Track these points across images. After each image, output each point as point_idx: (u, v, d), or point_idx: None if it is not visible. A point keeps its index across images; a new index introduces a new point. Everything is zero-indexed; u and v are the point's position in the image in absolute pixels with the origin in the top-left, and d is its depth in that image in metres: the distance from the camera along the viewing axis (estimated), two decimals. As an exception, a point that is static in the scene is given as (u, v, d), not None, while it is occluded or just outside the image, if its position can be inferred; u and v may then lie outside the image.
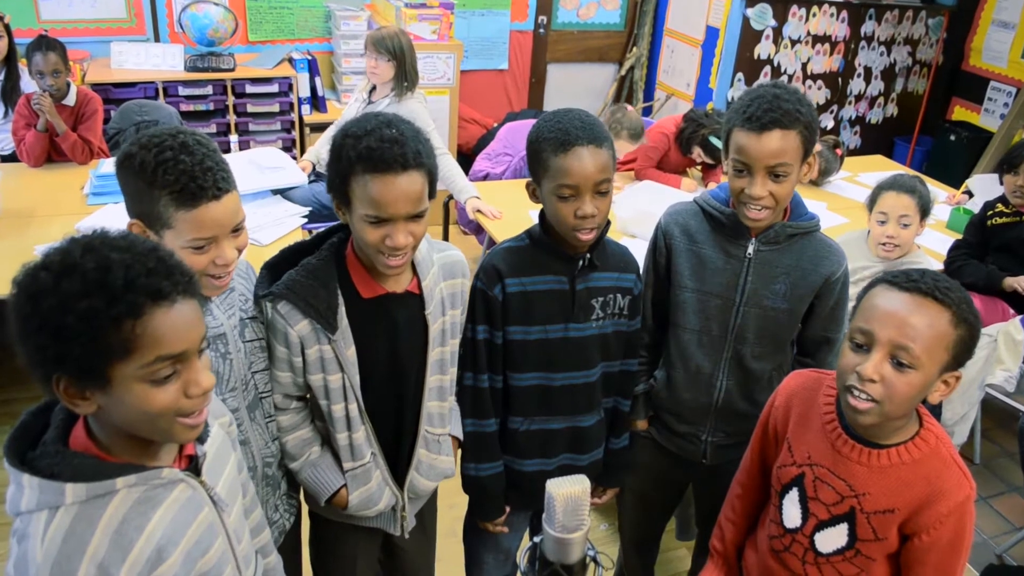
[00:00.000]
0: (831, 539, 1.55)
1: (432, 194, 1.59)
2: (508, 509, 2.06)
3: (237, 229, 1.46)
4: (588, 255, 1.82)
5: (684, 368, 2.02)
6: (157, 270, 1.03)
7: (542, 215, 1.83)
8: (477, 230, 4.23)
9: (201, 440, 1.24)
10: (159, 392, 1.06)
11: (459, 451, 1.98)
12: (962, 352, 1.38)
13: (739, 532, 1.84)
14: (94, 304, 0.98)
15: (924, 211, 2.84)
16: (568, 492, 1.01)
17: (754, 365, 1.98)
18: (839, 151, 4.35)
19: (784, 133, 1.74)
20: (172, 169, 1.35)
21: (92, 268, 1.00)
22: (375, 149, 1.49)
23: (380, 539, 1.97)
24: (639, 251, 2.05)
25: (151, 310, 1.02)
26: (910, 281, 1.38)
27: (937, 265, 3.45)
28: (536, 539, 1.08)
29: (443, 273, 1.76)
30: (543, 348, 1.86)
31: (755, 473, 1.77)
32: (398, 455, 1.82)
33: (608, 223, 1.79)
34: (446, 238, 4.29)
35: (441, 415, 1.85)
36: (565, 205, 1.70)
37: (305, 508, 1.87)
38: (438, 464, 1.88)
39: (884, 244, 2.86)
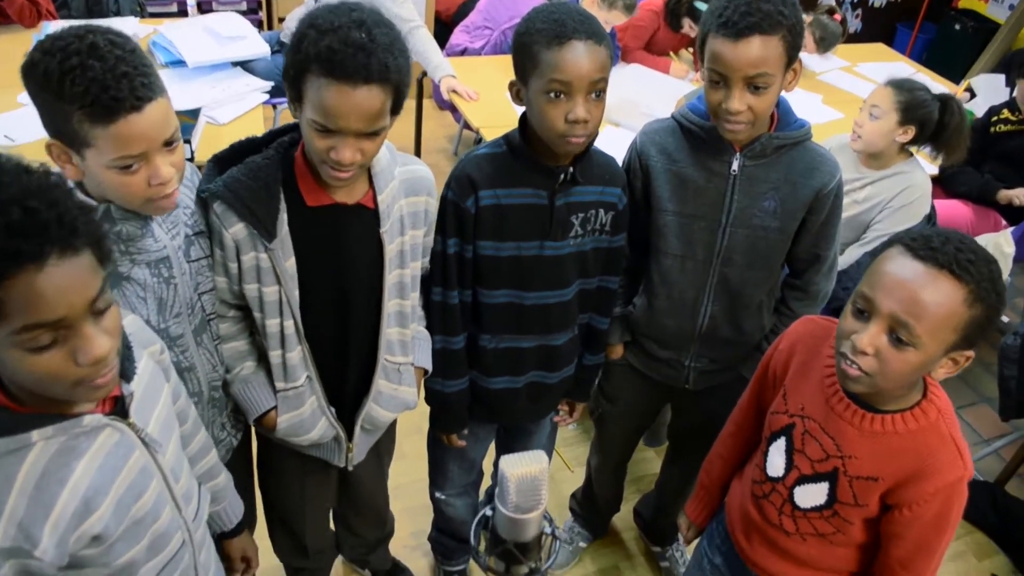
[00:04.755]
0: (810, 495, 1.48)
1: (397, 109, 1.41)
2: (467, 427, 1.99)
3: (171, 142, 1.26)
4: (571, 168, 1.65)
5: (666, 295, 1.90)
6: (20, 226, 0.86)
7: (523, 120, 1.65)
8: (453, 108, 4.00)
9: (127, 378, 1.12)
10: (40, 360, 0.92)
11: (423, 380, 1.87)
12: (975, 333, 1.24)
13: (728, 469, 1.77)
14: None
15: (906, 112, 2.53)
16: (523, 472, 0.89)
17: (742, 290, 1.86)
18: (837, 16, 4.05)
19: (764, 40, 1.54)
20: (80, 78, 1.14)
21: None
22: (336, 52, 1.29)
23: (335, 469, 1.87)
24: (622, 142, 1.87)
25: (14, 273, 0.86)
26: (928, 249, 1.22)
27: (932, 170, 3.30)
28: (487, 511, 0.97)
29: (405, 189, 1.59)
30: (515, 266, 1.72)
31: (751, 414, 1.69)
32: (346, 383, 1.70)
33: (596, 134, 1.61)
34: (420, 114, 4.06)
35: (402, 343, 1.72)
36: (554, 107, 1.52)
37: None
38: (399, 395, 1.76)
39: (853, 131, 2.62)
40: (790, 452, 1.49)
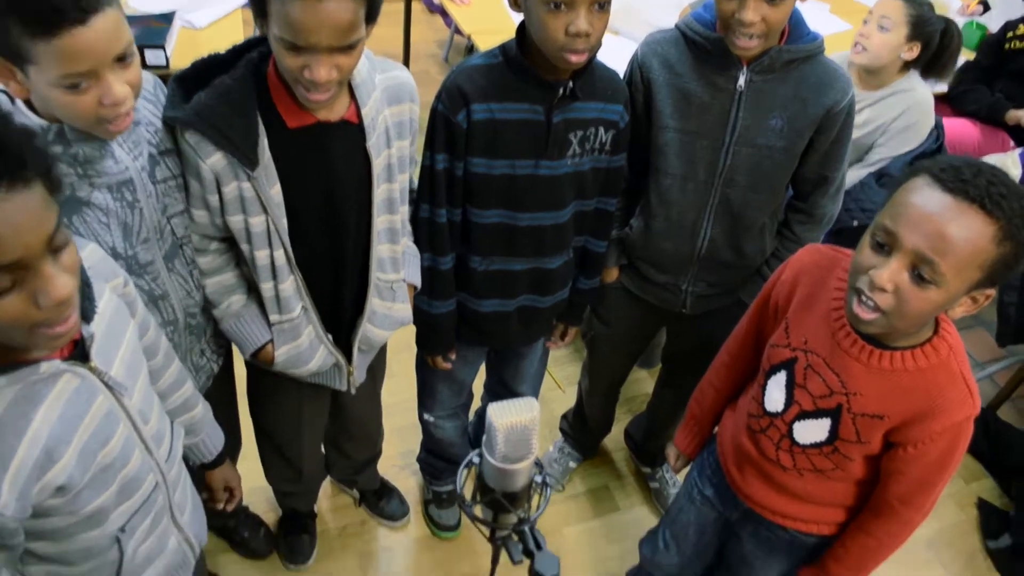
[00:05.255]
0: (810, 431, 1.43)
1: (373, 17, 1.29)
2: (455, 351, 1.94)
3: (124, 57, 1.14)
4: (570, 83, 1.54)
5: (665, 216, 1.81)
6: None
7: (521, 29, 1.54)
8: (443, 12, 3.82)
9: (86, 319, 1.04)
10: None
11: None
12: (1000, 272, 1.16)
13: (720, 400, 1.72)
14: None
15: (915, 28, 2.39)
16: (512, 422, 0.82)
17: (744, 212, 1.78)
18: None
19: None
20: None
21: None
22: None
23: (328, 391, 1.82)
24: (622, 52, 1.75)
25: None
26: (958, 181, 1.12)
27: (940, 88, 3.19)
28: (474, 457, 0.91)
29: (387, 98, 1.48)
30: (508, 185, 1.63)
31: (747, 345, 1.62)
32: (340, 307, 1.63)
33: (599, 48, 1.50)
34: (408, 18, 3.87)
35: (394, 260, 1.64)
36: (555, 17, 1.40)
37: (239, 353, 1.69)
38: (394, 313, 1.70)
39: (855, 44, 2.47)
40: (790, 387, 1.44)
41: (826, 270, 1.41)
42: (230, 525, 2.26)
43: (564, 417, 2.68)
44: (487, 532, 0.92)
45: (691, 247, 1.83)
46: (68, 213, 1.20)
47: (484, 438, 0.86)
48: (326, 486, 2.45)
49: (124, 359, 1.11)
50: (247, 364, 1.71)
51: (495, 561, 0.95)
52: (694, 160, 1.73)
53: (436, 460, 2.36)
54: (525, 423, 0.83)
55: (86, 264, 1.05)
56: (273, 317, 1.55)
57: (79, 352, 1.03)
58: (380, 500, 2.44)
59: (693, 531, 1.82)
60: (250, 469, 2.11)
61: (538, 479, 0.90)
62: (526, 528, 0.89)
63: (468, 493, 0.92)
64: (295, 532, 2.30)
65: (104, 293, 1.10)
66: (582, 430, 2.60)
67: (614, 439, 2.73)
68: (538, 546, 0.87)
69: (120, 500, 1.12)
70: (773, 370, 1.47)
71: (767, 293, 1.54)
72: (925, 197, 1.14)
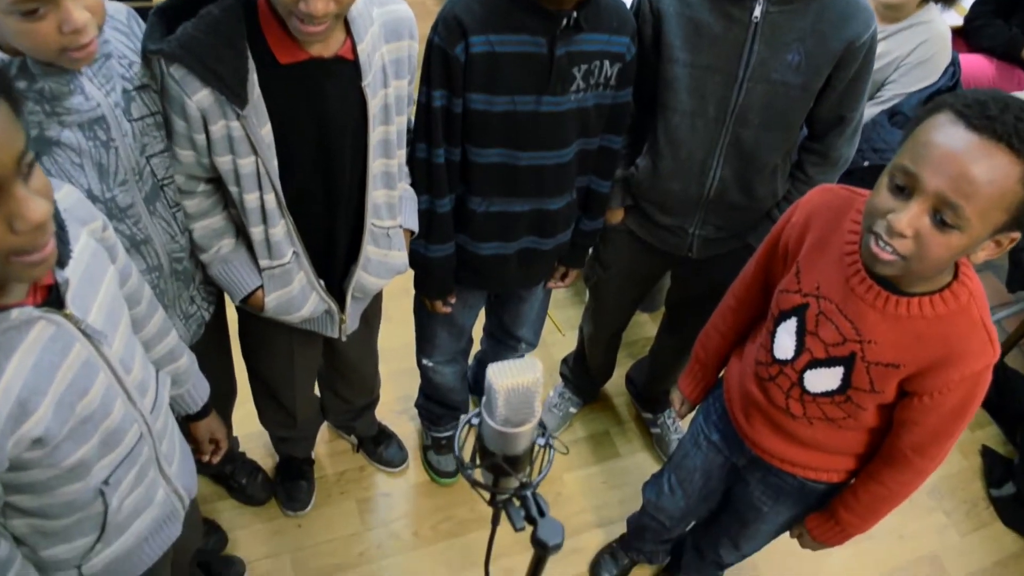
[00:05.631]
0: (822, 380, 1.37)
1: None
2: (454, 295, 1.88)
3: None
4: (574, 13, 1.45)
5: (673, 156, 1.73)
6: None
7: None
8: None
9: (61, 264, 0.97)
10: None
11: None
12: None
13: (726, 345, 1.66)
14: None
15: None
16: (514, 384, 0.76)
17: (756, 152, 1.69)
18: None
19: None
20: None
21: None
22: None
23: (321, 337, 1.76)
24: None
25: None
26: (984, 117, 1.03)
27: (955, 20, 3.07)
28: (472, 418, 0.85)
29: (385, 34, 1.39)
30: (509, 122, 1.55)
31: (755, 289, 1.56)
32: (333, 252, 1.56)
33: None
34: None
35: (390, 206, 1.56)
36: None
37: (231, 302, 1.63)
38: (389, 260, 1.63)
39: None
40: (801, 334, 1.38)
41: (840, 211, 1.34)
42: (227, 471, 2.23)
43: (564, 362, 2.63)
44: (487, 496, 0.87)
45: (699, 188, 1.76)
46: (39, 154, 1.13)
47: (483, 400, 0.80)
48: (324, 432, 2.41)
49: (103, 306, 1.05)
50: (238, 309, 1.65)
51: (494, 526, 0.90)
52: (704, 96, 1.64)
53: (435, 406, 2.32)
54: (527, 385, 0.77)
55: (61, 207, 0.99)
56: (263, 262, 1.48)
57: (53, 298, 0.97)
58: (378, 446, 2.40)
59: (699, 476, 1.79)
60: (247, 415, 2.07)
61: (541, 442, 0.84)
62: (528, 493, 0.83)
63: (467, 454, 0.86)
64: (293, 478, 2.27)
65: (80, 237, 1.04)
66: (583, 375, 2.56)
67: (615, 384, 2.69)
68: (541, 512, 0.82)
69: (103, 452, 1.07)
70: (783, 316, 1.41)
71: (776, 235, 1.47)
72: (948, 135, 1.06)
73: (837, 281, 1.31)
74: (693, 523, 2.02)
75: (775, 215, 1.80)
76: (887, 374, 1.29)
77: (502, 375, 0.77)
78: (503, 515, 0.88)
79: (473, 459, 0.86)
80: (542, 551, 0.81)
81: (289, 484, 2.27)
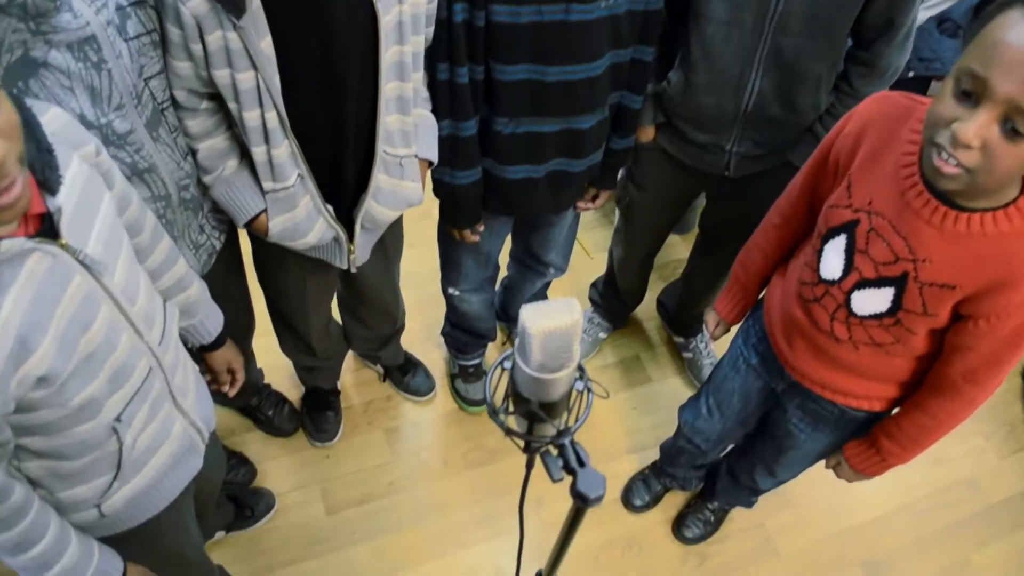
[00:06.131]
0: (871, 301, 1.28)
1: None
2: (482, 223, 1.80)
3: None
4: (604, -89, 1.33)
5: (707, 68, 1.62)
6: None
7: None
8: None
9: (52, 191, 0.90)
10: None
11: (428, 172, 1.64)
12: None
13: (768, 264, 1.58)
14: None
15: None
16: (550, 327, 0.66)
17: (797, 62, 1.57)
18: None
19: None
20: None
21: None
22: None
23: (335, 267, 1.69)
24: None
25: None
26: None
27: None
28: (504, 360, 0.78)
29: None
30: (536, 34, 1.44)
31: (801, 204, 1.46)
32: (342, 177, 1.48)
33: None
34: None
35: (404, 132, 1.47)
36: None
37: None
38: (401, 191, 1.54)
39: None
40: (850, 252, 1.29)
41: (897, 121, 1.23)
42: (253, 404, 2.21)
43: (594, 286, 2.56)
44: (520, 444, 0.81)
45: (736, 103, 1.65)
46: (24, 76, 1.04)
47: (516, 342, 0.73)
48: (349, 361, 2.38)
49: (101, 235, 0.98)
50: (250, 236, 1.58)
51: (528, 471, 0.84)
52: (740, 4, 1.52)
53: (462, 334, 2.26)
54: (566, 328, 0.69)
55: (48, 130, 0.92)
56: (267, 184, 1.41)
57: (47, 228, 0.91)
58: (405, 375, 2.37)
59: (737, 399, 1.73)
60: (271, 347, 2.03)
61: (580, 386, 0.78)
62: (566, 442, 0.77)
63: (499, 399, 0.80)
64: (319, 409, 2.25)
65: (72, 162, 0.96)
66: (612, 300, 2.49)
67: (645, 308, 2.62)
68: (581, 462, 0.75)
69: (112, 389, 1.03)
70: (831, 233, 1.32)
71: (827, 147, 1.36)
72: (1022, 34, 0.95)
73: (892, 195, 1.21)
74: (728, 448, 1.97)
75: (818, 130, 1.69)
76: (941, 296, 1.21)
77: (537, 318, 0.69)
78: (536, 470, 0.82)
79: (504, 405, 0.80)
80: (582, 503, 0.75)
81: (316, 415, 2.24)
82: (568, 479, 0.76)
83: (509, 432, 0.80)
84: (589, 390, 0.78)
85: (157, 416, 1.15)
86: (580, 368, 0.78)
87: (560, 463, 0.77)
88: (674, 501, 2.26)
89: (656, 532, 2.22)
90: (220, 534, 2.02)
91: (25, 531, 1.01)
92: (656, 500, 2.25)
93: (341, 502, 2.17)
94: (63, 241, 0.91)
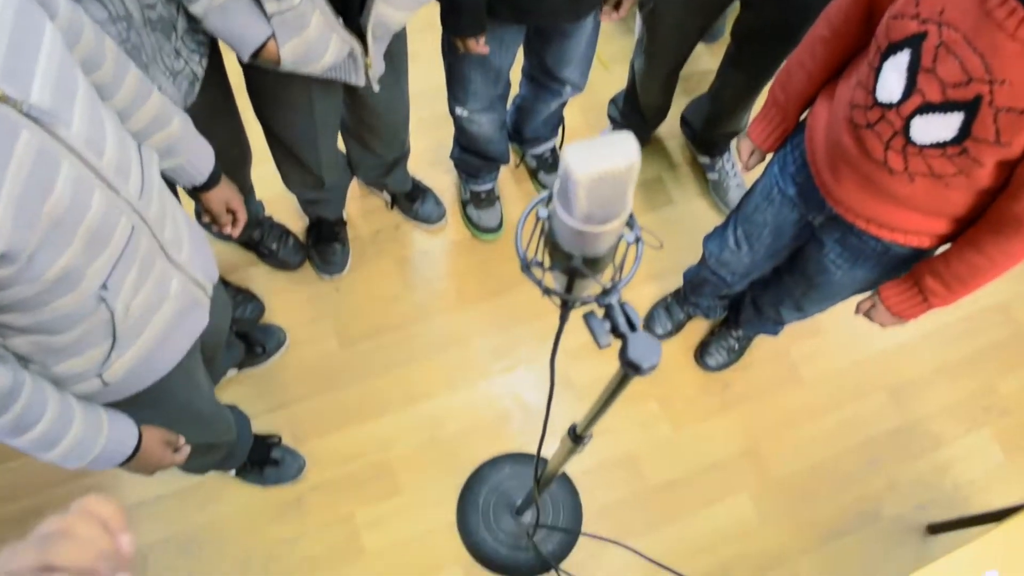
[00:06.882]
0: (934, 128, 1.13)
1: None
2: (486, 30, 1.60)
3: None
4: None
5: None
6: None
7: None
8: None
9: None
10: None
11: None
12: None
13: (812, 85, 1.40)
14: None
15: None
16: (601, 172, 0.51)
17: None
18: None
19: None
20: None
21: None
22: None
23: (340, 84, 1.51)
24: None
25: None
26: None
27: None
28: (538, 205, 0.63)
29: None
30: None
31: (856, 15, 1.27)
32: None
33: None
34: None
35: None
36: None
37: (229, 51, 1.37)
38: None
39: None
40: (914, 71, 1.12)
41: None
42: (255, 237, 2.10)
43: (612, 102, 2.38)
44: (558, 303, 0.69)
45: None
46: None
47: (556, 186, 0.59)
48: (354, 189, 2.25)
49: (48, 77, 0.82)
50: (241, 62, 1.40)
51: (561, 326, 0.72)
52: None
53: (472, 157, 2.12)
54: (620, 172, 0.54)
55: None
56: (270, 7, 1.21)
57: None
58: (414, 202, 2.24)
59: (768, 232, 1.61)
60: (268, 176, 1.90)
61: (630, 238, 0.64)
62: (614, 301, 0.65)
63: (531, 251, 0.67)
64: (325, 240, 2.14)
65: None
66: (634, 117, 2.31)
67: (668, 125, 2.44)
68: (632, 326, 0.64)
69: (91, 256, 0.90)
70: (892, 49, 1.14)
71: None
72: None
73: (968, 3, 1.03)
74: (753, 278, 1.87)
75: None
76: (1019, 123, 1.05)
77: (585, 161, 0.55)
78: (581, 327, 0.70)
79: (540, 257, 0.67)
80: (634, 372, 0.65)
81: (322, 247, 2.14)
82: (616, 344, 0.65)
83: (547, 292, 0.68)
84: (639, 240, 0.65)
85: (149, 277, 1.03)
86: (631, 219, 0.65)
87: (607, 326, 0.66)
88: (696, 329, 2.20)
89: (678, 359, 2.17)
90: (232, 371, 1.97)
91: (22, 413, 0.93)
92: (678, 328, 2.18)
93: (355, 335, 2.10)
94: (1, 92, 0.76)
